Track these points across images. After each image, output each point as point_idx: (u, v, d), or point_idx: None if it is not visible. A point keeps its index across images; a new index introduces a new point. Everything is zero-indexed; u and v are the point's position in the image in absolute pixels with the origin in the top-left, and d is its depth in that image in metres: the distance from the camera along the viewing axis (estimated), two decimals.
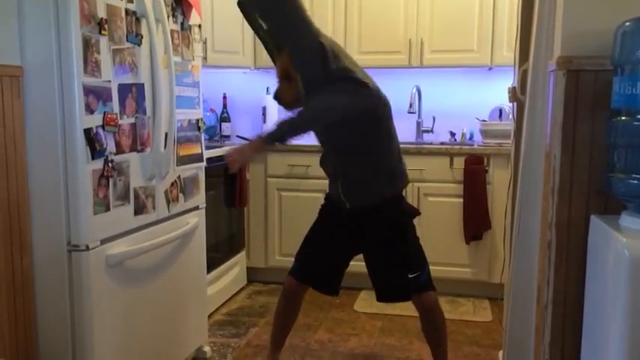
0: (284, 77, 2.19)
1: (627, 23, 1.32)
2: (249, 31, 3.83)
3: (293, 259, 2.37)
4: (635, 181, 1.32)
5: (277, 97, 2.28)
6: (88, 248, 1.87)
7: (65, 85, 1.80)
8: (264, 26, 2.13)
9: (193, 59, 2.49)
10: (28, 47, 1.80)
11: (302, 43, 2.05)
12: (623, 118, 1.34)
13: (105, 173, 1.93)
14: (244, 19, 2.26)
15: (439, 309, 2.27)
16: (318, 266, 2.31)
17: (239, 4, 2.17)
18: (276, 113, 4.06)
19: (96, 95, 1.88)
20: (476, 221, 3.43)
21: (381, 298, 2.28)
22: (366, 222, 2.20)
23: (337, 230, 2.27)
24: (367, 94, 2.08)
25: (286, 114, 2.18)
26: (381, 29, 3.72)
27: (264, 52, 3.84)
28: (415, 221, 3.48)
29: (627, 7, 1.40)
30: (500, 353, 2.40)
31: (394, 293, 2.25)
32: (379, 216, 2.19)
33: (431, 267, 3.43)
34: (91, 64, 1.85)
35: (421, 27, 3.67)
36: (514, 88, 2.29)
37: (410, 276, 2.19)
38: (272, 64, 3.95)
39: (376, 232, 2.21)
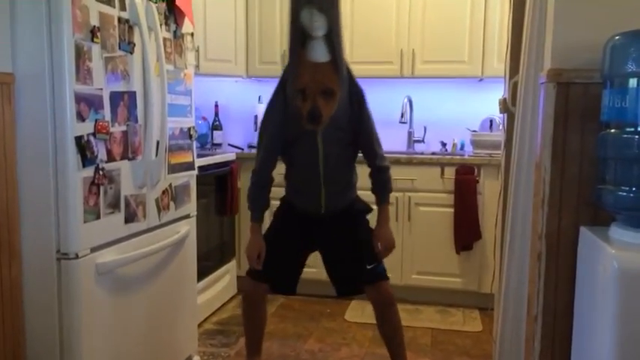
0: (324, 92, 2.03)
1: (617, 37, 1.34)
2: (241, 40, 3.87)
3: None
4: (624, 194, 1.33)
5: (316, 114, 2.03)
6: (77, 257, 1.86)
7: (57, 92, 1.79)
8: (325, 29, 2.00)
9: (186, 67, 2.49)
10: (20, 54, 1.79)
11: (343, 55, 2.07)
12: (613, 131, 1.36)
13: (96, 181, 1.92)
14: (292, 23, 2.09)
15: (396, 304, 2.31)
16: (278, 270, 2.32)
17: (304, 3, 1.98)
18: None
19: (87, 103, 1.87)
20: (466, 231, 3.44)
21: (341, 292, 2.35)
22: (331, 221, 2.27)
23: (296, 231, 2.31)
24: None
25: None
26: (373, 39, 3.74)
27: (257, 60, 3.92)
28: (406, 230, 3.51)
29: (617, 22, 1.42)
30: None
31: (353, 284, 2.30)
32: (343, 215, 2.27)
33: (421, 276, 3.48)
34: (83, 72, 1.84)
35: (413, 38, 3.70)
36: (505, 99, 2.32)
37: (368, 267, 2.25)
38: (264, 73, 3.98)
39: (340, 229, 2.27)
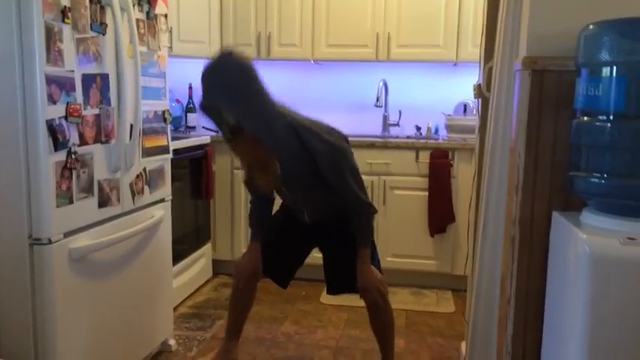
0: (258, 165, 2.07)
1: (590, 26, 1.36)
2: (215, 21, 3.81)
3: None
4: (596, 180, 1.36)
5: (251, 184, 2.24)
6: (50, 242, 1.83)
7: (27, 74, 1.75)
8: (232, 121, 1.90)
9: (159, 49, 2.45)
10: None
11: (275, 130, 1.95)
12: (585, 118, 1.38)
13: (68, 165, 1.88)
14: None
15: (388, 307, 2.32)
16: (275, 254, 2.32)
17: (203, 108, 1.93)
18: None
19: (58, 85, 1.83)
20: (440, 214, 3.48)
21: (332, 290, 2.34)
22: (328, 222, 2.25)
23: (298, 226, 2.29)
24: (350, 150, 2.14)
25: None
26: (348, 23, 3.73)
27: (231, 42, 3.86)
28: (381, 213, 3.53)
29: (591, 11, 1.44)
30: (463, 344, 2.46)
31: (345, 285, 2.28)
32: (339, 217, 2.22)
33: (395, 259, 3.52)
34: (53, 53, 1.80)
35: (388, 21, 3.69)
36: (479, 85, 2.33)
37: None
38: None
39: (337, 229, 2.25)
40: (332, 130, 2.11)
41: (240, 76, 1.87)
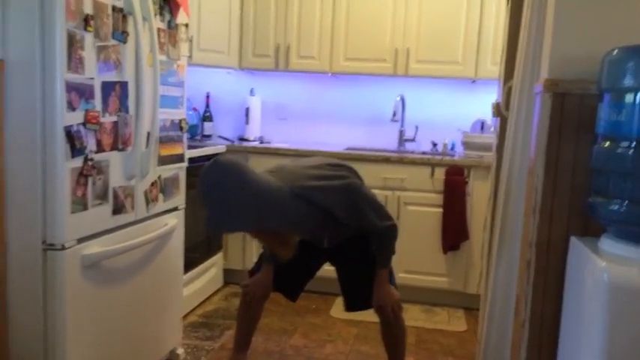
0: (279, 243, 2.01)
1: (615, 51, 1.34)
2: (235, 31, 3.84)
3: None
4: (616, 207, 1.34)
5: (275, 258, 2.16)
6: (63, 247, 1.84)
7: (47, 80, 1.76)
8: (247, 229, 1.88)
9: (179, 59, 2.46)
10: (11, 40, 1.75)
11: (289, 213, 1.84)
12: (607, 144, 1.36)
13: (84, 172, 1.89)
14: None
15: (402, 323, 2.29)
16: (286, 270, 2.27)
17: (214, 231, 1.90)
18: (259, 115, 4.05)
19: (78, 92, 1.84)
20: (454, 232, 3.45)
21: (350, 308, 2.32)
22: (339, 244, 2.23)
23: (311, 244, 2.23)
24: (359, 182, 2.09)
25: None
26: (367, 37, 3.73)
27: (250, 53, 3.89)
28: None
29: (615, 35, 1.42)
30: None
31: (362, 302, 2.26)
32: (351, 239, 2.20)
33: (407, 275, 3.49)
34: (74, 61, 1.81)
35: (408, 36, 3.69)
36: (498, 103, 2.32)
37: None
38: (257, 65, 3.96)
39: (353, 246, 2.22)
40: (334, 168, 2.05)
41: (242, 192, 1.72)
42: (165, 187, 2.42)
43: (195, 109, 4.01)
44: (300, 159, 2.19)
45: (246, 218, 1.75)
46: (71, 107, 1.81)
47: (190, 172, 2.73)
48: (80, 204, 1.89)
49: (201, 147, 3.41)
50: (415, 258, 3.50)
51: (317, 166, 2.05)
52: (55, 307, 1.84)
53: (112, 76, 2.00)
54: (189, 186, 2.72)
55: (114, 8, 1.98)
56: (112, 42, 1.99)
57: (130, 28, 2.08)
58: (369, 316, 2.30)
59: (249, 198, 1.73)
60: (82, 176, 1.89)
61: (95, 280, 1.99)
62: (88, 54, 1.87)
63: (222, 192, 1.72)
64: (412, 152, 3.83)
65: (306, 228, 1.96)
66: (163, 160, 2.38)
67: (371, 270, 2.18)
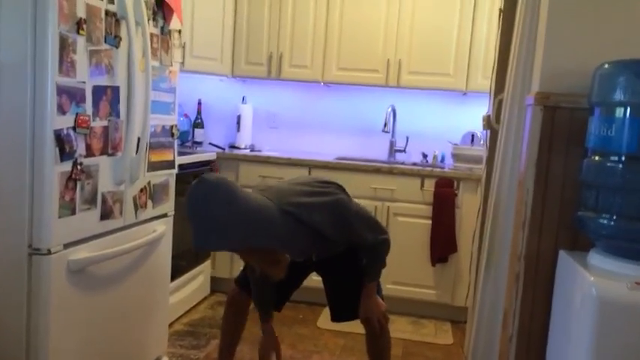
0: (269, 263, 1.97)
1: (606, 66, 1.36)
2: (228, 39, 3.84)
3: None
4: (605, 221, 1.34)
5: (267, 277, 2.12)
6: (49, 252, 1.81)
7: (38, 83, 1.74)
8: (236, 248, 1.83)
9: (171, 64, 2.45)
10: (2, 42, 1.74)
11: (277, 231, 1.81)
12: (597, 158, 1.37)
13: (73, 176, 1.88)
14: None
15: (387, 334, 2.28)
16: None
17: (200, 249, 1.90)
18: (250, 123, 4.04)
19: (69, 96, 1.83)
20: (442, 244, 3.45)
21: (336, 318, 2.30)
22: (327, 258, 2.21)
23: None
24: (346, 197, 2.03)
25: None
26: (360, 47, 3.74)
27: (242, 60, 3.89)
28: None
29: (606, 49, 1.43)
30: None
31: (349, 313, 2.24)
32: (339, 253, 2.18)
33: (395, 287, 3.48)
34: (66, 64, 1.80)
35: (400, 48, 3.71)
36: (489, 116, 2.33)
37: None
38: (249, 73, 3.97)
39: (340, 258, 2.20)
40: (323, 185, 2.03)
41: (229, 209, 1.68)
42: (154, 193, 2.40)
43: (186, 116, 3.99)
44: (289, 179, 2.17)
45: (233, 236, 1.72)
46: (61, 111, 1.80)
47: (180, 178, 2.71)
48: (68, 208, 1.87)
49: (192, 154, 3.40)
50: (403, 269, 3.50)
51: (305, 182, 2.04)
52: (40, 312, 1.82)
53: (103, 81, 1.99)
54: (179, 193, 2.70)
55: (107, 12, 1.98)
56: (105, 46, 1.98)
57: (123, 33, 2.07)
58: (357, 327, 2.29)
59: (236, 215, 1.70)
60: (70, 180, 1.87)
61: (81, 285, 1.97)
62: (80, 58, 1.86)
63: (210, 209, 1.69)
64: (402, 163, 3.83)
65: (294, 245, 1.94)
66: (153, 166, 2.37)
67: (358, 281, 2.17)
